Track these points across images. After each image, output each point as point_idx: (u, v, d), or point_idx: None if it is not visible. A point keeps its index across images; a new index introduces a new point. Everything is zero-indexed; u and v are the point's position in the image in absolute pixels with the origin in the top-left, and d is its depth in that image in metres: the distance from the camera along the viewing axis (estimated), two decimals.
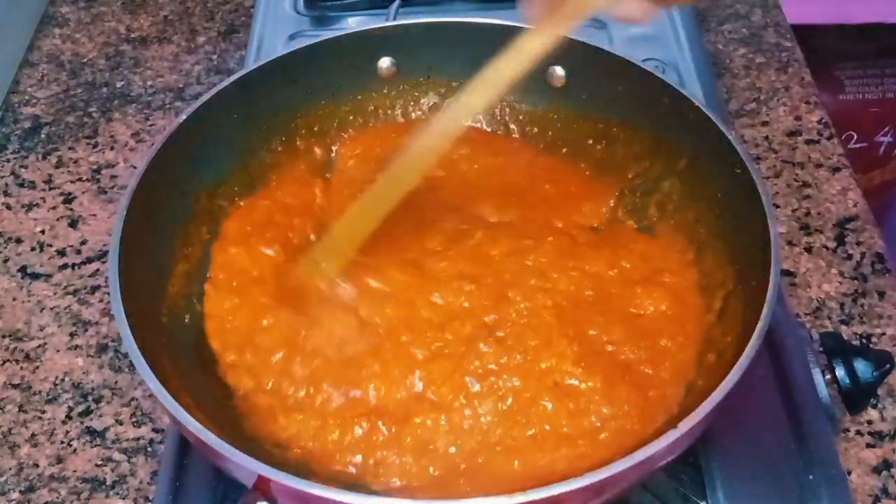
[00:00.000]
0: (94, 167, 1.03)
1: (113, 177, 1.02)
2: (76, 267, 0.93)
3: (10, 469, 0.77)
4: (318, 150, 0.87)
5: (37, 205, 0.99)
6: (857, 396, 0.70)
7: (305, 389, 0.68)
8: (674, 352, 0.69)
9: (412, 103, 0.90)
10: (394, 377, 0.67)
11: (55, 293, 0.90)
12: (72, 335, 0.87)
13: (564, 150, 0.86)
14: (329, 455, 0.64)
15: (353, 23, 1.11)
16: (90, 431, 0.79)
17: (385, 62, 0.87)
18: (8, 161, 1.04)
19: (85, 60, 1.17)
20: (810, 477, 0.66)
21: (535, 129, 0.88)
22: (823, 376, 0.71)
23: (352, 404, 0.67)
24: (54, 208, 0.99)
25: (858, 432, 0.77)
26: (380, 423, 0.65)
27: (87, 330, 0.87)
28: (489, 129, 0.89)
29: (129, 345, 0.59)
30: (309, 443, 0.65)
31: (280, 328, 0.71)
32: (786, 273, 0.88)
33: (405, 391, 0.67)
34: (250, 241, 0.78)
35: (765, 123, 1.03)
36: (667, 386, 0.67)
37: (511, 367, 0.67)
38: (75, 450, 0.78)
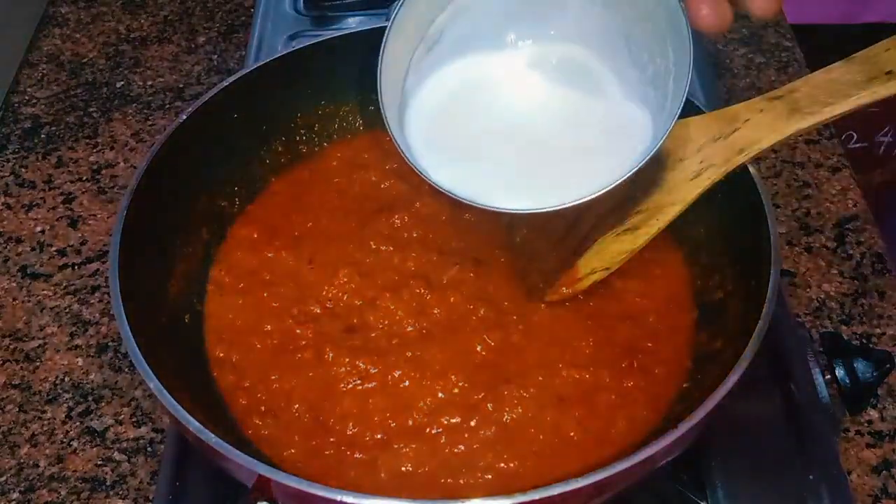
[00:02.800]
0: (94, 167, 1.03)
1: (113, 177, 1.02)
2: (76, 267, 0.93)
3: (10, 469, 0.77)
4: (317, 151, 0.87)
5: (37, 205, 0.99)
6: (857, 396, 0.70)
7: (278, 401, 0.68)
8: (668, 335, 0.70)
9: None
10: (373, 422, 0.66)
11: (55, 293, 0.90)
12: (72, 335, 0.87)
13: None
14: (298, 468, 0.64)
15: (353, 23, 1.11)
16: (90, 431, 0.79)
17: None
18: (8, 161, 1.04)
19: (85, 60, 1.17)
20: (810, 477, 0.66)
21: None
22: (823, 376, 0.71)
23: (323, 429, 0.66)
24: (54, 208, 0.99)
25: (858, 432, 0.77)
26: (349, 452, 0.64)
27: (87, 330, 0.87)
28: None
29: (129, 345, 0.59)
30: (282, 450, 0.65)
31: (277, 337, 0.72)
32: (786, 273, 0.88)
33: (383, 433, 0.65)
34: (258, 245, 0.78)
35: None
36: (670, 363, 0.68)
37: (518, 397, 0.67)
38: (75, 450, 0.78)
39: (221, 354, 0.71)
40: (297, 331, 0.72)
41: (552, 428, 0.65)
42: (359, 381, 0.68)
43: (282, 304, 0.74)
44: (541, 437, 0.64)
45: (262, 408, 0.67)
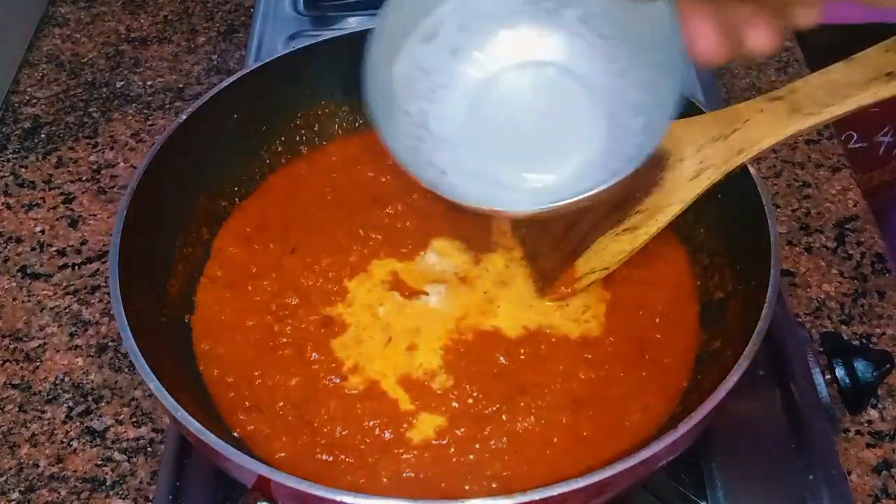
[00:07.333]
0: (94, 167, 1.03)
1: (113, 177, 1.02)
2: (76, 267, 0.93)
3: (10, 469, 0.77)
4: (317, 151, 0.87)
5: (37, 205, 0.99)
6: (857, 396, 0.70)
7: (262, 397, 0.67)
8: (676, 325, 0.70)
9: None
10: (366, 429, 0.65)
11: (55, 293, 0.90)
12: (72, 335, 0.87)
13: None
14: (290, 467, 0.63)
15: (353, 23, 1.11)
16: (90, 431, 0.79)
17: None
18: (8, 161, 1.04)
19: (85, 60, 1.17)
20: (810, 477, 0.66)
21: None
22: (823, 376, 0.71)
23: (310, 431, 0.65)
24: (54, 208, 0.99)
25: (858, 432, 0.76)
26: (343, 457, 0.63)
27: (87, 330, 0.87)
28: None
29: (129, 345, 0.59)
30: (273, 448, 0.64)
31: (258, 332, 0.71)
32: (786, 273, 0.88)
33: (374, 438, 0.64)
34: (251, 240, 0.78)
35: None
36: (678, 352, 0.68)
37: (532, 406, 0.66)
38: (75, 450, 0.78)
39: (207, 347, 0.70)
40: (276, 327, 0.71)
41: (566, 430, 0.64)
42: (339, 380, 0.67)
43: (262, 298, 0.73)
44: (555, 439, 0.64)
45: (247, 403, 0.67)
